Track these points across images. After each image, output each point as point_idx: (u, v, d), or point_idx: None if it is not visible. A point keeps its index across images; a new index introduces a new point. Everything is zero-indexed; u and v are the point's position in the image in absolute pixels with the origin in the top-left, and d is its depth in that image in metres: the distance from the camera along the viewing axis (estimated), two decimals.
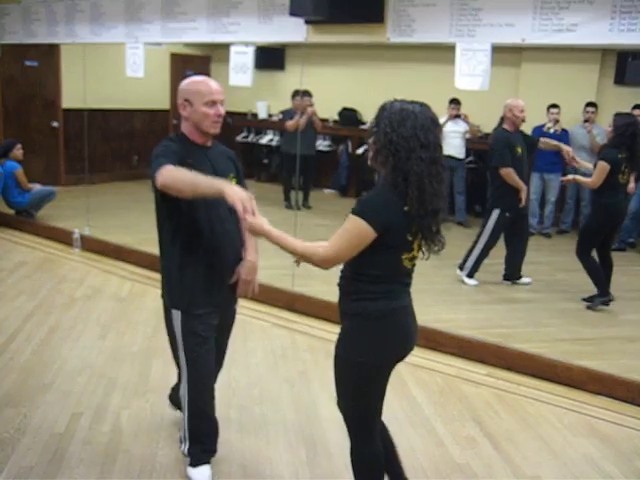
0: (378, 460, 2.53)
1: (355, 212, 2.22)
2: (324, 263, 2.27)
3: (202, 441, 2.98)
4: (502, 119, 5.95)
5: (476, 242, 5.87)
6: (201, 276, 2.76)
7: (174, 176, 2.43)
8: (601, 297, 5.41)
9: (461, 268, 5.97)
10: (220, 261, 2.79)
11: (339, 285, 2.43)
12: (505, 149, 5.55)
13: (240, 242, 2.87)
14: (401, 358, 2.45)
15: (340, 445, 3.28)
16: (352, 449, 2.52)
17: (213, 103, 2.70)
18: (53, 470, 2.99)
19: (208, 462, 3.00)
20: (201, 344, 2.80)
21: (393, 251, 2.29)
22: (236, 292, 2.91)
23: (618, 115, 5.41)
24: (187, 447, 2.97)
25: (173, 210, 2.67)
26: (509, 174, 5.56)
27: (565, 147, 5.73)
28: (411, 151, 2.20)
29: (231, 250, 2.83)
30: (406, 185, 2.20)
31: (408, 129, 2.22)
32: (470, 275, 5.92)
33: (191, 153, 2.70)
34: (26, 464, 3.02)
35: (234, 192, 2.23)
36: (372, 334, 2.34)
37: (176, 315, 2.79)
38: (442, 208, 2.30)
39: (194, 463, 2.97)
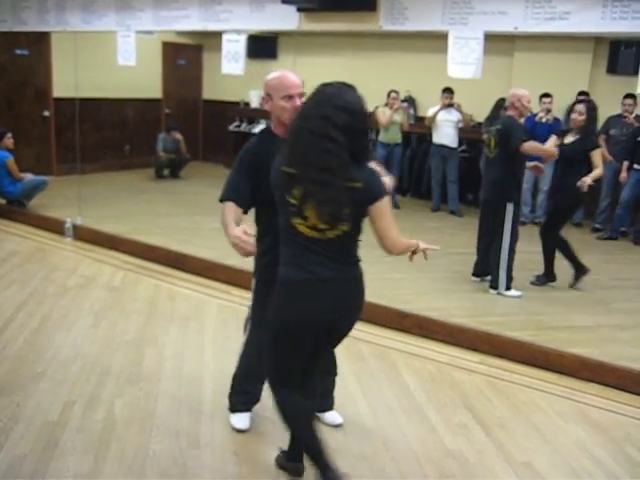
0: (291, 411, 2.75)
1: None
2: None
3: (238, 391, 3.30)
4: (504, 108, 5.85)
5: (497, 251, 5.29)
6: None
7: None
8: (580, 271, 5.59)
9: (493, 287, 5.39)
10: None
11: None
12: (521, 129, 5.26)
13: None
14: (316, 329, 2.61)
15: (333, 431, 3.30)
16: None
17: (290, 97, 2.85)
18: (46, 458, 2.98)
19: (247, 410, 3.32)
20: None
21: (282, 212, 2.53)
22: None
23: (583, 102, 5.48)
24: (229, 392, 3.33)
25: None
26: (534, 146, 5.22)
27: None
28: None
29: None
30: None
31: (306, 103, 2.58)
32: (509, 287, 5.36)
33: (271, 146, 2.84)
34: (19, 452, 3.02)
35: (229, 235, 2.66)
36: (276, 298, 2.63)
37: (253, 282, 3.13)
38: (326, 180, 2.40)
39: (231, 409, 3.33)
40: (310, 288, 2.55)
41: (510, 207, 5.23)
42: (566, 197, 5.48)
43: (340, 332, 2.71)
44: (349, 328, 2.70)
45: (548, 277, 5.67)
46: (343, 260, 2.56)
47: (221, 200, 2.86)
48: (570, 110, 5.79)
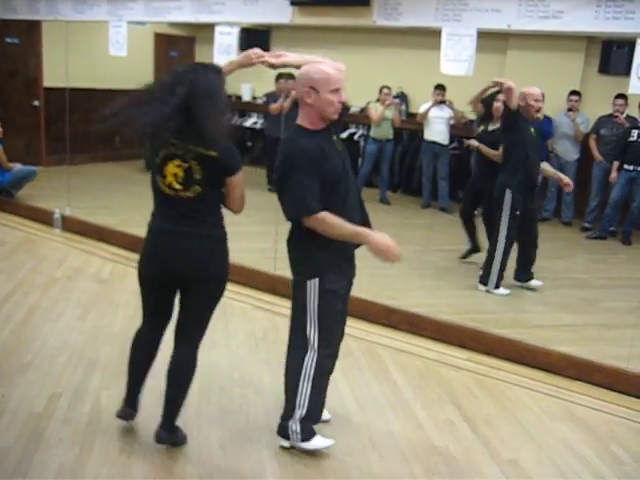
0: (135, 340, 3.14)
1: None
2: None
3: (315, 416, 3.08)
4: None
5: (494, 246, 5.29)
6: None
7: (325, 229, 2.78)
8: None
9: (483, 283, 5.39)
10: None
11: None
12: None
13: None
14: (157, 276, 2.90)
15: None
16: None
17: (337, 90, 2.81)
18: (32, 450, 2.97)
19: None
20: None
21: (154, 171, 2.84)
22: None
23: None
24: (299, 423, 3.01)
25: None
26: None
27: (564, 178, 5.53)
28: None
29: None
30: None
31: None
32: (498, 286, 5.35)
33: (324, 143, 2.85)
34: (4, 444, 3.00)
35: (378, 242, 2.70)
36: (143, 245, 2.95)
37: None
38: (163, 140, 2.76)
39: (308, 437, 3.05)
40: (156, 237, 2.89)
41: (509, 194, 5.13)
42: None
43: (189, 284, 2.89)
44: (199, 281, 2.89)
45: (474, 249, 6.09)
46: (197, 218, 2.81)
47: (313, 212, 2.74)
48: (493, 99, 5.82)
